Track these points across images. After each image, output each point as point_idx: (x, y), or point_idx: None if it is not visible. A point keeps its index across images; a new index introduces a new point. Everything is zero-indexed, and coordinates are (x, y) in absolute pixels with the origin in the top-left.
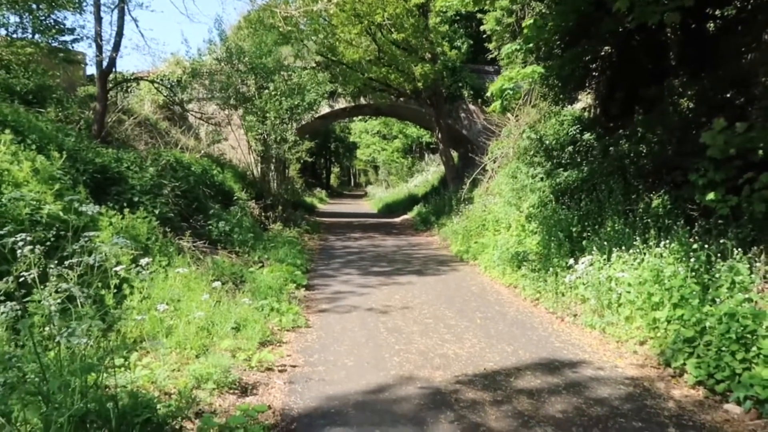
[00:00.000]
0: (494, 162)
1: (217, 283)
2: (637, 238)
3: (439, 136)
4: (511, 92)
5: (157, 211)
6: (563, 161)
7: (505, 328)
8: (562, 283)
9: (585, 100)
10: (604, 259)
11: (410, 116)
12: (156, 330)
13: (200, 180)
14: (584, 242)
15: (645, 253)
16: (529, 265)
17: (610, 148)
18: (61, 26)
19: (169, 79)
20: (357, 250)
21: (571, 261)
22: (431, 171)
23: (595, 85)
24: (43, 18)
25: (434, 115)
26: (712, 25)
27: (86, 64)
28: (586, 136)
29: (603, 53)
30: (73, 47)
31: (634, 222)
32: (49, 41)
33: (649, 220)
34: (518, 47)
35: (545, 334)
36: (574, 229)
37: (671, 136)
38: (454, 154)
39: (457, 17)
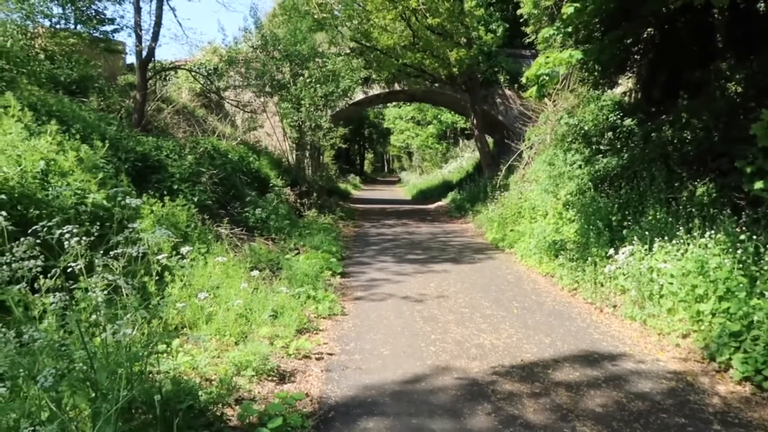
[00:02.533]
0: (530, 148)
1: (255, 272)
2: (681, 227)
3: (474, 121)
4: (547, 78)
5: (195, 199)
6: (602, 148)
7: (542, 319)
8: (601, 273)
9: (625, 84)
10: (646, 249)
11: (445, 102)
12: (197, 317)
13: (237, 167)
14: (624, 231)
15: (689, 244)
16: (567, 254)
17: (652, 134)
18: (102, 16)
19: (206, 67)
20: (391, 237)
21: (611, 251)
22: (466, 157)
23: (636, 69)
24: (85, 8)
25: (469, 101)
26: (763, 5)
27: (126, 54)
28: (627, 121)
29: (645, 35)
30: (113, 37)
31: (677, 211)
32: (91, 32)
33: (693, 209)
34: (556, 31)
35: (584, 325)
36: (613, 218)
37: (717, 121)
38: (490, 140)
39: (493, 0)
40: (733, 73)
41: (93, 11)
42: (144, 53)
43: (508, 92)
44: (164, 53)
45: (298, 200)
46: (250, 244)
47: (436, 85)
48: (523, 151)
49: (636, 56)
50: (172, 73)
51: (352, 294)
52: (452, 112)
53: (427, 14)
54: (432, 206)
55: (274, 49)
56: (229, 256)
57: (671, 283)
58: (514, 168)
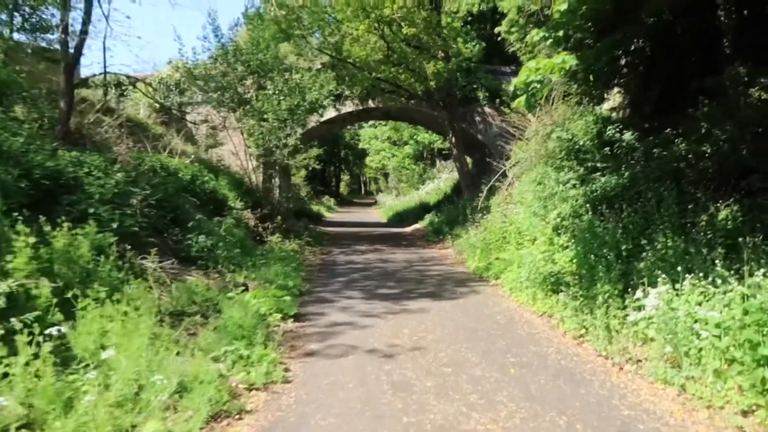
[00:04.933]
0: (516, 166)
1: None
2: (718, 261)
3: (453, 140)
4: (538, 86)
5: (114, 225)
6: (599, 165)
7: (548, 382)
8: (614, 316)
9: (613, 99)
10: (674, 289)
11: (422, 120)
12: (52, 406)
13: (186, 187)
14: (641, 264)
15: (730, 282)
16: (569, 291)
17: (654, 150)
18: (46, 24)
19: (166, 82)
20: (362, 266)
21: (635, 292)
22: (443, 178)
23: (628, 80)
24: (27, 16)
25: (447, 119)
26: None
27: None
28: (627, 135)
29: (638, 44)
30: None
31: (696, 239)
32: (29, 39)
33: (713, 236)
34: (546, 33)
35: (604, 392)
36: (623, 247)
37: (743, 132)
38: (468, 160)
39: (470, 18)
40: (753, 78)
41: (36, 18)
42: (71, 52)
43: (487, 110)
44: (119, 67)
45: (260, 224)
46: (187, 279)
47: (412, 102)
48: (506, 170)
49: (626, 69)
50: (130, 87)
51: (303, 347)
52: (429, 132)
53: (403, 24)
54: (408, 229)
55: (236, 60)
56: (137, 302)
57: (717, 336)
58: (495, 189)
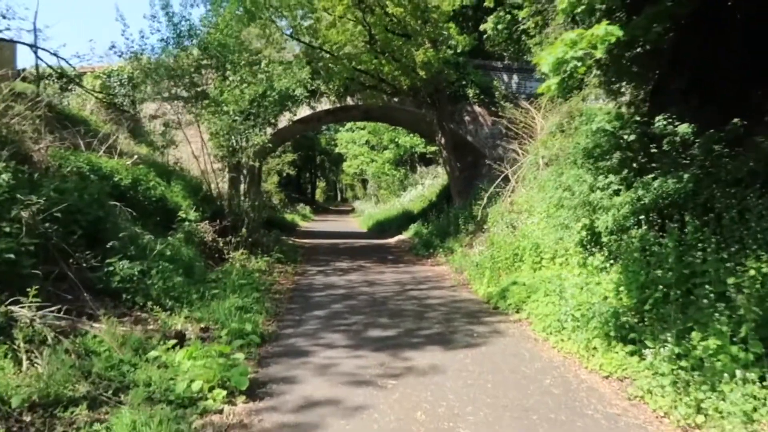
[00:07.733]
0: (521, 169)
1: None
2: None
3: (443, 141)
4: (579, 63)
5: None
6: (647, 166)
7: None
8: (752, 396)
9: (628, 93)
10: None
11: (405, 120)
12: None
13: (123, 194)
14: None
15: None
16: (655, 345)
17: (715, 146)
18: None
19: (117, 74)
20: (345, 291)
21: None
22: (426, 184)
23: (648, 68)
24: None
25: (436, 117)
26: None
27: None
28: (682, 128)
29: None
30: None
31: None
32: None
33: None
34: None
35: None
36: (731, 281)
37: None
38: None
39: (452, 13)
40: None
41: None
42: None
43: (477, 109)
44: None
45: (220, 239)
46: (88, 333)
47: (396, 99)
48: (507, 173)
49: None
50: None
51: None
52: (411, 135)
53: (387, 3)
54: (392, 240)
55: (191, 44)
56: None
57: None
58: (493, 196)
